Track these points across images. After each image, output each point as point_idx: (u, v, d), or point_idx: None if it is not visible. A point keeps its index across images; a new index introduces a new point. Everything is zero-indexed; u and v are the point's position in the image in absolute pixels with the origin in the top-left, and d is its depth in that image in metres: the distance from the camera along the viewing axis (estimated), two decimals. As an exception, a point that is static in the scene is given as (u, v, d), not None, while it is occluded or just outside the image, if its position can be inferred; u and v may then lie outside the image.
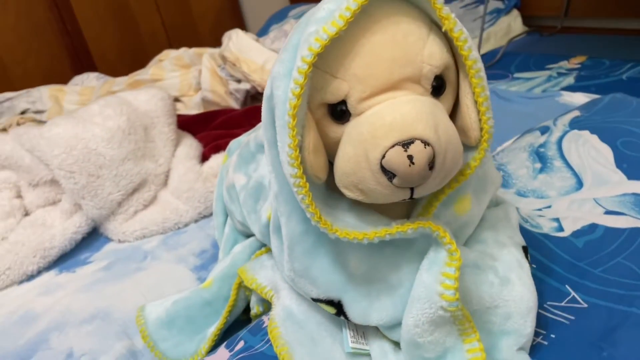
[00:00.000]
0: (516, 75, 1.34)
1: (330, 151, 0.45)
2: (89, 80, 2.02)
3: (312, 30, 0.41)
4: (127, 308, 0.80)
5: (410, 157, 0.38)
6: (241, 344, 0.56)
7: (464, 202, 0.49)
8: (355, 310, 0.49)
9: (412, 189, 0.41)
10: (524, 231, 0.61)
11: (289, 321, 0.54)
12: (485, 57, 1.48)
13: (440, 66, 0.42)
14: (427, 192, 0.42)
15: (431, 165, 0.39)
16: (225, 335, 0.65)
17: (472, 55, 0.42)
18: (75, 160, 0.96)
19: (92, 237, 1.03)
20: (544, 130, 0.79)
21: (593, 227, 0.60)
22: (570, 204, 0.64)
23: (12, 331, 0.81)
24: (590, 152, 0.70)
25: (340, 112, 0.43)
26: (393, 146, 0.38)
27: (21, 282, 0.94)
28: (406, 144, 0.38)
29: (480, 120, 0.44)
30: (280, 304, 0.56)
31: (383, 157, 0.39)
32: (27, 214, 1.05)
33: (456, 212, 0.49)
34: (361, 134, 0.40)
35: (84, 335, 0.77)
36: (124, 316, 0.79)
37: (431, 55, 0.42)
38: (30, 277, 0.95)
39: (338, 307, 0.50)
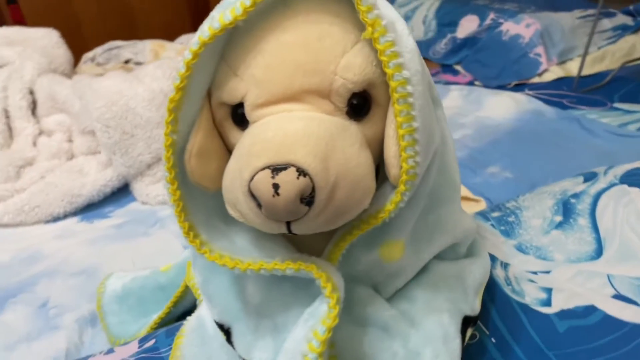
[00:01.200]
0: (616, 105, 1.15)
1: None
2: (194, 40, 2.08)
3: (211, 15, 0.35)
4: (112, 271, 0.80)
5: (275, 186, 0.31)
6: (152, 342, 0.53)
7: (391, 248, 0.41)
8: (241, 342, 0.43)
9: (289, 223, 0.34)
10: (499, 296, 0.51)
11: (196, 333, 0.49)
12: (591, 79, 1.29)
13: (358, 82, 0.34)
14: (311, 231, 0.35)
15: (309, 200, 0.32)
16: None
17: (398, 76, 0.33)
18: (113, 115, 0.98)
19: (123, 193, 1.05)
20: (589, 177, 0.65)
21: (590, 310, 0.48)
22: (576, 275, 0.52)
23: (15, 268, 0.85)
24: (629, 217, 0.57)
25: (240, 116, 0.36)
26: (264, 169, 0.32)
27: (47, 221, 0.98)
28: (277, 169, 0.31)
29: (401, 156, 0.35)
30: (198, 311, 0.51)
31: (252, 179, 0.32)
32: (72, 158, 1.09)
33: (381, 258, 0.41)
34: (243, 147, 0.34)
35: (65, 288, 0.78)
36: (106, 278, 0.79)
37: (348, 67, 0.34)
38: (56, 219, 0.99)
39: (227, 335, 0.44)
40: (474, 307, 0.45)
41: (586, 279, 0.52)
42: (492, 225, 0.60)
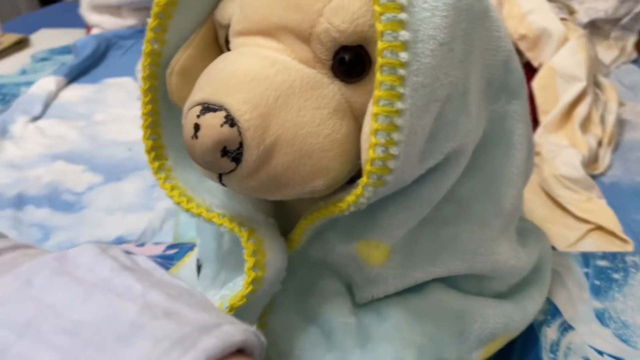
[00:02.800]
0: None
1: None
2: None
3: None
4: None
5: (196, 127, 0.27)
6: (174, 251, 0.53)
7: (371, 249, 0.34)
8: (201, 284, 0.40)
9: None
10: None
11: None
12: None
13: (346, 32, 0.27)
14: (245, 192, 0.30)
15: (235, 155, 0.27)
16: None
17: (390, 35, 0.25)
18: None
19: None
20: None
21: None
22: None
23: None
24: None
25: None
26: (199, 104, 0.28)
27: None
28: (208, 109, 0.27)
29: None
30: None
31: (189, 111, 0.28)
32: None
33: (359, 256, 0.34)
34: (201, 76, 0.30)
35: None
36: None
37: (338, 9, 0.27)
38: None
39: (198, 271, 0.42)
40: (465, 358, 0.35)
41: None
42: (586, 274, 0.47)
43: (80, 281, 0.23)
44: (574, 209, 0.69)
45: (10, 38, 1.23)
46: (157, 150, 0.35)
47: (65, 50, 1.26)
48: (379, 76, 0.26)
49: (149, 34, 0.32)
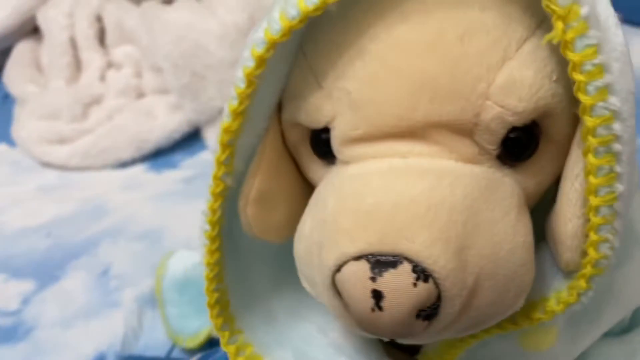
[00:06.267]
0: None
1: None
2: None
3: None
4: (178, 239, 0.73)
5: (376, 295, 0.19)
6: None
7: (538, 335, 0.28)
8: None
9: None
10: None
11: None
12: None
13: (526, 112, 0.21)
14: (425, 342, 0.23)
15: (429, 312, 0.20)
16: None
17: (602, 107, 0.19)
18: (182, 54, 0.87)
19: (194, 139, 0.95)
20: None
21: None
22: None
23: (79, 222, 0.79)
24: None
25: (324, 143, 0.24)
26: (359, 258, 0.20)
27: (115, 167, 0.91)
28: (380, 264, 0.19)
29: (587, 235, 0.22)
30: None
31: (339, 269, 0.20)
32: (141, 95, 1.00)
33: (523, 346, 0.28)
34: (325, 209, 0.22)
35: (127, 254, 0.72)
36: (171, 247, 0.71)
37: (510, 86, 0.20)
38: (124, 165, 0.92)
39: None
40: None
41: None
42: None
43: None
44: None
45: None
46: (221, 304, 0.26)
47: None
48: (592, 159, 0.20)
49: (218, 169, 0.23)
